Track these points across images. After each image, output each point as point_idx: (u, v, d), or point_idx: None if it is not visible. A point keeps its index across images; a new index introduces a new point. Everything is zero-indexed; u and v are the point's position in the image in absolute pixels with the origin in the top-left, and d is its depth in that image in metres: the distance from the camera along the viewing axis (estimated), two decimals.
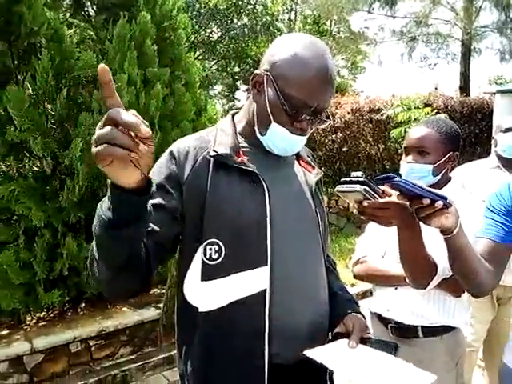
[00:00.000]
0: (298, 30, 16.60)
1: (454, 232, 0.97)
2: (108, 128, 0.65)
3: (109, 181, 0.73)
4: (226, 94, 18.86)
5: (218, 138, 1.06)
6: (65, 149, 2.95)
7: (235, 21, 12.90)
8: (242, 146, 1.06)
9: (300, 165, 1.18)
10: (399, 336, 1.48)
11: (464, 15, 12.28)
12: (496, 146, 2.36)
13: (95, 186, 3.11)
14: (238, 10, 12.72)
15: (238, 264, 0.99)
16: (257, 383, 0.98)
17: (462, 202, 1.22)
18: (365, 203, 0.93)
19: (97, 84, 3.20)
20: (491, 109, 6.56)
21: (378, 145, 7.23)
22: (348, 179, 0.93)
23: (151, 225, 0.92)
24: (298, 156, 1.18)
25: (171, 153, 1.04)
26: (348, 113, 7.41)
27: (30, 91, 2.92)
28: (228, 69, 16.05)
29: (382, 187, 0.94)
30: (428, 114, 5.67)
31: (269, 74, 0.99)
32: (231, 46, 13.24)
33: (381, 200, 0.93)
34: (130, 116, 0.65)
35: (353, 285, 4.14)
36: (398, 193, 0.93)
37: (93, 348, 2.94)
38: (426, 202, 0.90)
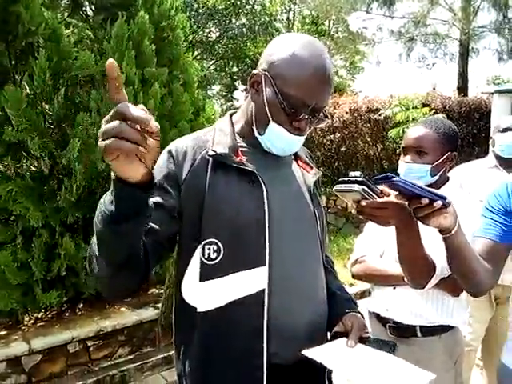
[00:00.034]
0: (296, 30, 16.62)
1: (453, 231, 0.97)
2: (117, 122, 0.65)
3: (112, 175, 0.73)
4: (225, 93, 18.87)
5: (217, 137, 1.06)
6: (62, 149, 2.94)
7: (233, 21, 12.89)
8: (241, 146, 1.06)
9: (298, 165, 1.18)
10: (398, 335, 1.48)
11: (462, 15, 12.32)
12: (494, 146, 2.36)
13: (93, 186, 3.11)
14: (236, 10, 12.72)
15: (237, 264, 0.99)
16: (255, 383, 0.98)
17: (459, 201, 1.23)
18: (363, 203, 0.93)
19: (95, 84, 3.20)
20: (489, 109, 6.56)
21: (376, 145, 7.23)
22: (346, 179, 0.93)
23: (150, 223, 0.92)
24: (295, 156, 1.19)
25: (169, 152, 1.04)
26: (346, 113, 7.42)
27: (28, 91, 2.92)
28: (226, 69, 16.05)
29: (380, 187, 0.94)
30: (426, 114, 5.67)
31: (267, 73, 0.99)
32: (229, 45, 13.23)
33: (379, 200, 0.93)
34: (139, 111, 0.66)
35: (351, 284, 4.14)
36: (396, 193, 0.93)
37: (91, 348, 2.94)
38: (425, 201, 0.90)
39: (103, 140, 0.65)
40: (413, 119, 5.61)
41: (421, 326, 1.46)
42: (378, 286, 1.57)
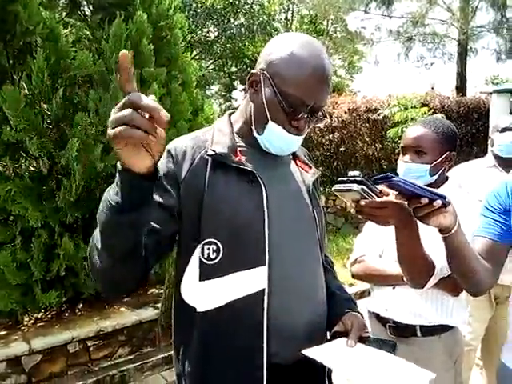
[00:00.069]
0: (294, 30, 16.62)
1: (453, 231, 0.98)
2: (129, 110, 0.66)
3: (119, 165, 0.75)
4: (223, 93, 18.85)
5: (216, 137, 1.06)
6: (61, 149, 2.94)
7: (232, 20, 12.87)
8: (240, 146, 1.06)
9: (297, 165, 1.18)
10: (397, 335, 1.48)
11: (460, 15, 12.34)
12: (493, 146, 2.37)
13: (92, 186, 3.10)
14: (234, 10, 12.70)
15: (236, 263, 0.99)
16: (255, 383, 0.98)
17: (459, 201, 1.23)
18: (362, 202, 0.93)
19: (93, 84, 3.19)
20: (488, 108, 6.58)
21: (375, 144, 7.24)
22: (345, 179, 0.93)
23: (150, 222, 0.92)
24: (294, 156, 1.19)
25: (169, 151, 1.04)
26: (345, 112, 7.42)
27: (26, 91, 2.91)
28: (225, 68, 16.02)
29: (379, 187, 0.94)
30: (425, 113, 5.68)
31: (266, 72, 0.99)
32: (228, 45, 13.21)
33: (378, 199, 0.93)
34: (150, 100, 0.67)
35: (351, 284, 4.14)
36: (396, 192, 0.93)
37: (91, 348, 2.94)
38: (425, 201, 0.90)
39: (113, 128, 0.67)
40: (411, 119, 5.61)
41: (420, 326, 1.46)
42: (378, 285, 1.57)
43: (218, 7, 12.46)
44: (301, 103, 0.97)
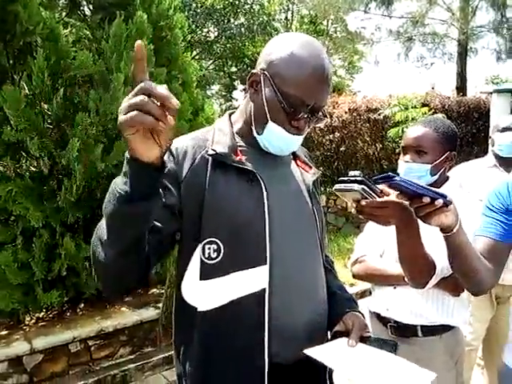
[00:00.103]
0: (294, 30, 16.61)
1: (454, 230, 0.97)
2: (141, 96, 0.68)
3: (127, 154, 0.76)
4: (223, 93, 18.85)
5: (216, 137, 1.06)
6: (62, 149, 2.94)
7: (232, 20, 12.86)
8: (240, 146, 1.06)
9: (297, 164, 1.18)
10: (398, 335, 1.48)
11: (460, 15, 12.34)
12: (493, 146, 2.37)
13: (93, 186, 3.10)
14: (234, 10, 12.69)
15: (237, 263, 0.99)
16: (256, 383, 0.98)
17: (459, 201, 1.22)
18: (363, 202, 0.93)
19: (93, 84, 3.19)
20: (488, 108, 6.57)
21: (376, 144, 7.24)
22: (346, 178, 0.93)
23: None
24: (294, 156, 1.19)
25: (170, 151, 1.03)
26: (345, 112, 7.42)
27: (27, 91, 2.91)
28: (225, 68, 16.02)
29: (380, 186, 0.94)
30: (425, 113, 5.67)
31: (266, 72, 0.99)
32: (228, 45, 13.20)
33: (379, 199, 0.93)
34: (162, 88, 0.69)
35: (352, 284, 4.14)
36: (397, 192, 0.93)
37: (92, 348, 2.94)
38: (426, 200, 0.90)
39: (125, 114, 0.68)
40: (412, 119, 5.60)
41: (422, 326, 1.45)
42: (379, 285, 1.57)
43: (218, 7, 12.46)
44: (301, 103, 0.97)
